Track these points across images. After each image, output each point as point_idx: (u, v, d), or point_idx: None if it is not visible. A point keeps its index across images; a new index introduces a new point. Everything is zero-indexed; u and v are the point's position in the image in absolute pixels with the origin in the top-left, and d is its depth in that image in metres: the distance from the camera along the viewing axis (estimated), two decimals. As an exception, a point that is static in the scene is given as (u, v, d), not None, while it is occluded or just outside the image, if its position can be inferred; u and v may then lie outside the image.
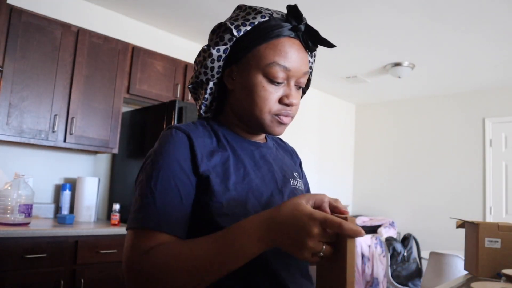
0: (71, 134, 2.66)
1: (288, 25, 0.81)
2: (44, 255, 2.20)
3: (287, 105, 0.81)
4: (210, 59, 0.82)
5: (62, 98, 2.64)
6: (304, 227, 0.59)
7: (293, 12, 0.80)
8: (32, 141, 2.51)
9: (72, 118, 2.68)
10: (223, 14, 3.20)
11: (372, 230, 4.84)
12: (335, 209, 0.66)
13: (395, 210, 5.35)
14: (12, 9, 2.44)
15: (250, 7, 0.84)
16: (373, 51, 3.84)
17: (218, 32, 0.83)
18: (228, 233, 0.65)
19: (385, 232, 4.70)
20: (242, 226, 0.64)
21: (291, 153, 1.03)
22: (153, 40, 3.50)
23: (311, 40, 0.82)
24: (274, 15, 0.82)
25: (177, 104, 2.83)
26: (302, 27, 0.81)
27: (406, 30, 3.31)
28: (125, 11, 3.29)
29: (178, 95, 3.27)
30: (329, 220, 0.58)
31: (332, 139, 5.54)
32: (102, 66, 2.85)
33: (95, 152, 3.10)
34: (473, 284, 1.29)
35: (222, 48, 0.81)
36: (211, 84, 0.85)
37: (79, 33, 2.74)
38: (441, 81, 4.64)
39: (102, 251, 2.41)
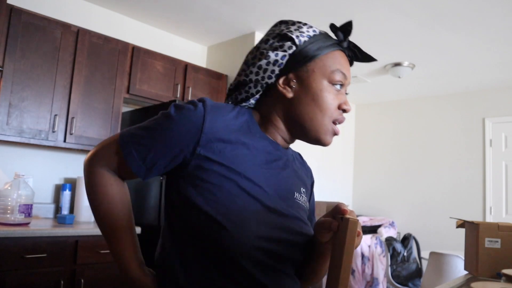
0: (71, 134, 2.66)
1: (336, 40, 0.89)
2: (44, 255, 2.20)
3: (344, 111, 0.88)
4: (266, 61, 0.85)
5: (62, 98, 2.64)
6: None
7: (345, 27, 0.88)
8: (32, 141, 2.51)
9: (72, 118, 2.68)
10: (223, 14, 3.20)
11: (372, 230, 4.84)
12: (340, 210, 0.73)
13: (395, 210, 5.35)
14: (12, 9, 2.44)
15: (298, 21, 0.89)
16: (373, 51, 3.84)
17: (273, 42, 0.86)
18: (124, 249, 0.84)
19: (385, 232, 4.70)
20: (127, 263, 0.84)
21: (307, 171, 1.03)
22: (153, 40, 3.51)
23: (354, 54, 0.91)
24: (320, 30, 0.90)
25: (177, 104, 2.83)
26: (346, 44, 0.89)
27: (406, 30, 3.31)
28: (125, 11, 3.29)
29: (178, 95, 3.27)
30: None
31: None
32: (102, 66, 2.85)
33: (95, 152, 3.10)
34: (473, 284, 1.29)
35: (280, 54, 0.85)
36: (252, 85, 0.86)
37: (79, 33, 2.74)
38: (441, 81, 4.64)
39: (102, 251, 2.41)
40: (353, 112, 6.00)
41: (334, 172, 5.54)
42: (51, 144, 2.60)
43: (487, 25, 3.14)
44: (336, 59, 0.86)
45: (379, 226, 4.86)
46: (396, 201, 5.37)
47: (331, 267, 0.70)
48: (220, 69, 3.74)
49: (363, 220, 5.01)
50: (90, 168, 0.85)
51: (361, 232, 0.75)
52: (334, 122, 0.87)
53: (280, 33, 0.87)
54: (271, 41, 0.87)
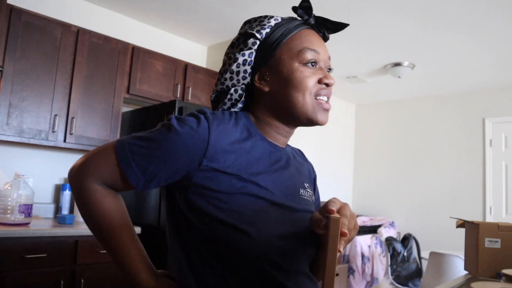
0: (71, 134, 2.66)
1: (301, 20, 0.88)
2: (44, 255, 2.20)
3: (327, 84, 0.85)
4: (235, 64, 0.85)
5: (62, 98, 2.64)
6: None
7: (304, 3, 0.88)
8: (32, 141, 2.51)
9: (72, 118, 2.68)
10: (223, 14, 3.20)
11: (372, 230, 4.84)
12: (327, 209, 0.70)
13: (395, 210, 5.35)
14: (12, 9, 2.44)
15: (259, 16, 0.89)
16: (373, 51, 3.84)
17: (238, 44, 0.87)
18: (132, 260, 0.81)
19: (385, 232, 4.70)
20: (134, 271, 0.81)
21: (309, 166, 1.03)
22: (153, 40, 3.51)
23: (325, 27, 0.90)
24: (283, 17, 0.88)
25: (177, 104, 2.83)
26: (313, 20, 0.88)
27: (406, 30, 3.31)
28: (125, 11, 3.29)
29: (178, 95, 3.27)
30: None
31: (332, 139, 5.54)
32: (102, 66, 2.85)
33: (95, 152, 3.10)
34: (473, 284, 1.29)
35: (247, 52, 0.85)
36: (232, 90, 0.86)
37: (79, 33, 2.74)
38: (441, 81, 4.64)
39: (102, 251, 2.41)
40: (353, 112, 6.00)
41: (334, 172, 5.54)
42: (51, 144, 2.60)
43: (487, 26, 3.14)
44: (302, 38, 0.85)
45: (379, 226, 4.86)
46: (396, 201, 5.37)
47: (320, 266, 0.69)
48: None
49: (363, 220, 5.01)
50: (80, 184, 0.79)
51: (353, 226, 0.73)
52: (318, 98, 0.85)
53: (242, 33, 0.87)
54: (236, 44, 0.87)
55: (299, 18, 0.89)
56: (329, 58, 0.88)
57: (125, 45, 2.98)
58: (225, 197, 0.76)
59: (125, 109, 3.33)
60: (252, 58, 0.85)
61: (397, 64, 4.07)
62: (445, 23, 3.14)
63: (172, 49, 3.62)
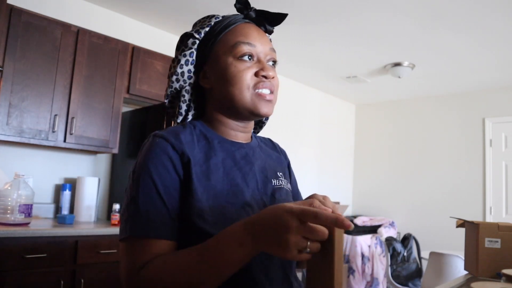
0: (71, 134, 2.66)
1: (241, 15, 0.88)
2: (44, 255, 2.20)
3: (264, 77, 0.83)
4: (179, 65, 0.86)
5: (62, 98, 2.64)
6: (282, 222, 0.59)
7: (241, 1, 0.88)
8: (32, 141, 2.51)
9: (72, 118, 2.68)
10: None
11: (372, 230, 4.83)
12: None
13: (395, 210, 5.35)
14: (12, 9, 2.44)
15: (202, 17, 0.91)
16: (373, 51, 3.84)
17: (180, 46, 0.88)
18: (212, 242, 0.67)
19: (385, 232, 4.69)
20: (224, 233, 0.66)
21: (280, 154, 1.02)
22: (153, 40, 3.51)
23: (266, 20, 0.89)
24: (225, 15, 0.89)
25: (177, 104, 2.83)
26: (253, 13, 0.88)
27: (406, 30, 3.31)
28: (125, 11, 3.29)
29: (178, 95, 3.27)
30: (305, 211, 0.58)
31: (332, 139, 5.54)
32: (102, 66, 2.85)
33: (95, 152, 3.10)
34: (473, 284, 1.29)
35: (188, 52, 0.86)
36: (183, 92, 0.87)
37: (79, 33, 2.74)
38: (441, 81, 4.64)
39: (102, 251, 2.41)
40: (353, 112, 6.00)
41: (334, 172, 5.54)
42: (51, 144, 2.60)
43: (487, 26, 3.14)
44: (237, 32, 0.84)
45: (379, 226, 4.86)
46: (396, 201, 5.37)
47: (318, 274, 0.63)
48: (220, 69, 3.74)
49: (363, 220, 5.01)
50: (135, 284, 0.71)
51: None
52: (259, 92, 0.83)
53: (183, 35, 0.88)
54: (180, 46, 0.88)
55: (239, 14, 0.89)
56: (273, 50, 0.87)
57: (125, 45, 2.98)
58: (202, 208, 0.76)
59: (125, 109, 3.33)
60: (194, 58, 0.86)
61: (397, 64, 4.07)
62: (445, 23, 3.14)
63: (172, 49, 3.62)
